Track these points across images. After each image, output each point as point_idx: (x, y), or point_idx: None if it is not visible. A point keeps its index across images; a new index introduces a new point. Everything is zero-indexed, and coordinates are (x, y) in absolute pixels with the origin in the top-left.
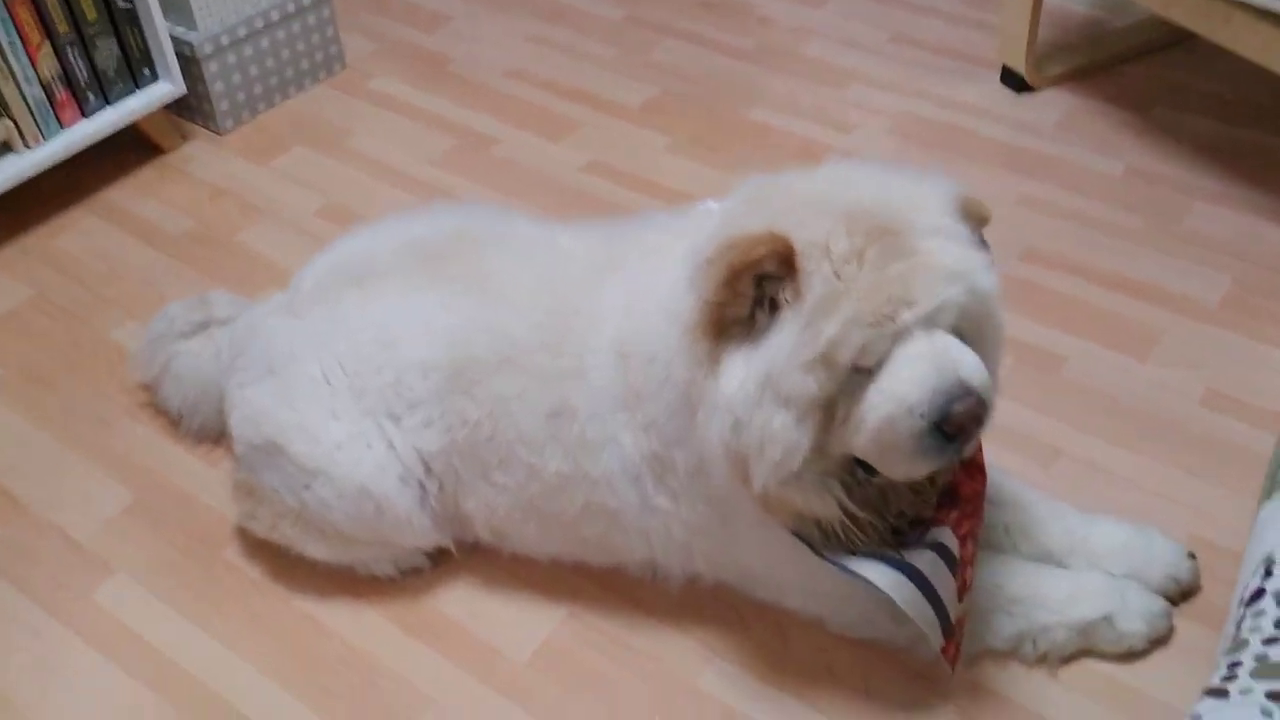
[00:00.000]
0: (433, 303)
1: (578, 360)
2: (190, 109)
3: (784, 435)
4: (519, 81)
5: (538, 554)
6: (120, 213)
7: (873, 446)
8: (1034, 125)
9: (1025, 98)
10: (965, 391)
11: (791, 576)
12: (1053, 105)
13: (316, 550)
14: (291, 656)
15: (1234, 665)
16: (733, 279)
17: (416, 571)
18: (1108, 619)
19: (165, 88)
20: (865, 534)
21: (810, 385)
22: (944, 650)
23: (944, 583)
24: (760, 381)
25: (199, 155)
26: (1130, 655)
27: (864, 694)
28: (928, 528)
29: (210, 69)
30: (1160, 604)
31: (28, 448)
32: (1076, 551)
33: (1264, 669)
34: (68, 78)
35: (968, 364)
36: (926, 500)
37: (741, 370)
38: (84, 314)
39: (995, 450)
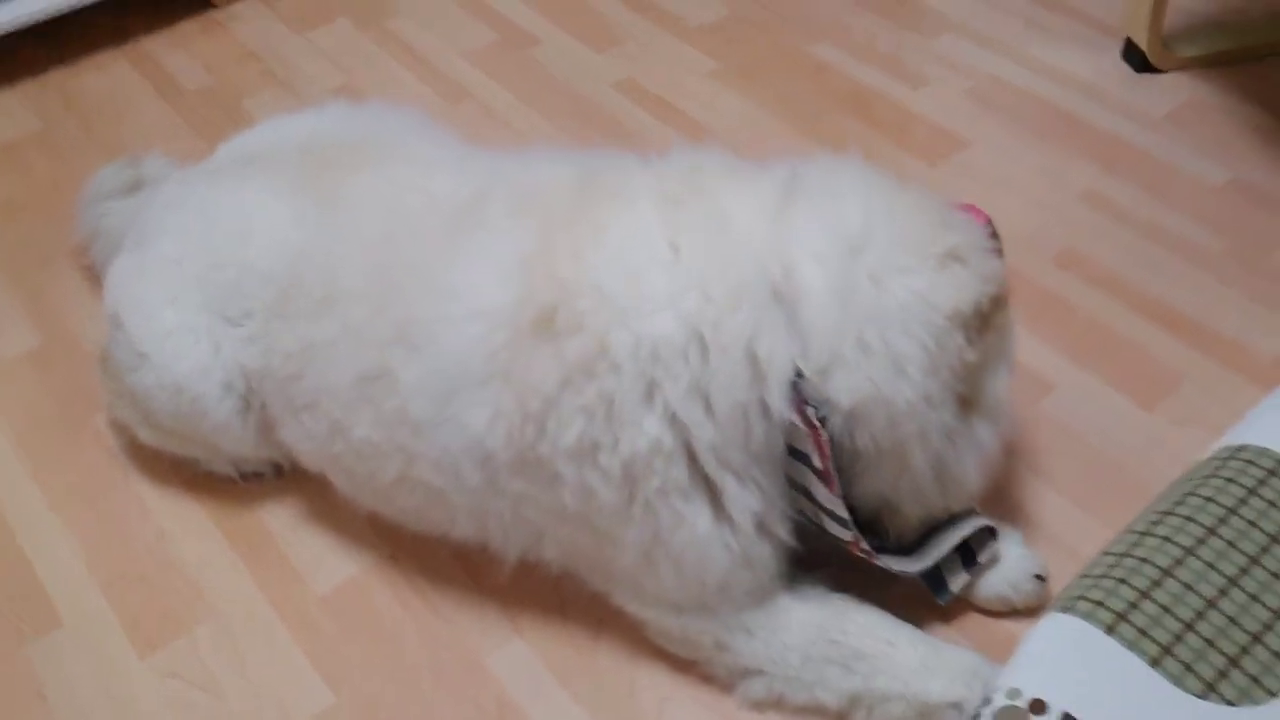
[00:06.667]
0: (289, 210)
1: (401, 328)
2: None
3: None
4: None
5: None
6: (149, 61)
7: None
8: (1140, 112)
9: (1144, 79)
10: None
11: (655, 578)
12: (1172, 93)
13: (148, 436)
14: (104, 532)
15: None
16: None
17: (258, 477)
18: (957, 707)
19: None
20: None
21: None
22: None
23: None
24: None
25: (246, 15)
26: None
27: (654, 718)
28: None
29: None
30: None
31: None
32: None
33: None
34: None
35: None
36: None
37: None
38: (75, 155)
39: None
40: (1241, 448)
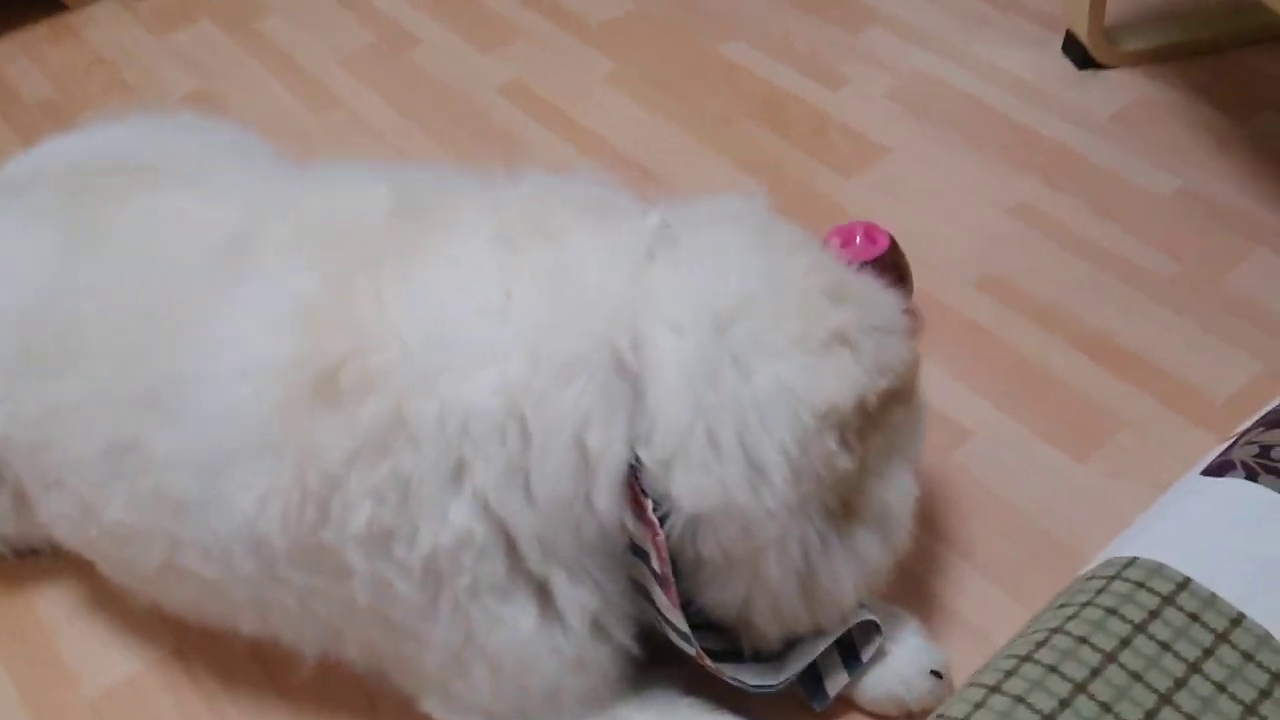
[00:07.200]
0: (39, 245)
1: (153, 390)
2: None
3: None
4: None
5: None
6: None
7: None
8: (1082, 114)
9: (1087, 76)
10: None
11: (468, 683)
12: (1118, 91)
13: None
14: None
15: None
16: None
17: (34, 554)
18: None
19: None
20: None
21: None
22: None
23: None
24: None
25: (102, 18)
26: None
27: None
28: None
29: None
30: None
31: None
32: None
33: None
34: None
35: None
36: None
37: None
38: None
39: None
40: (1130, 562)
